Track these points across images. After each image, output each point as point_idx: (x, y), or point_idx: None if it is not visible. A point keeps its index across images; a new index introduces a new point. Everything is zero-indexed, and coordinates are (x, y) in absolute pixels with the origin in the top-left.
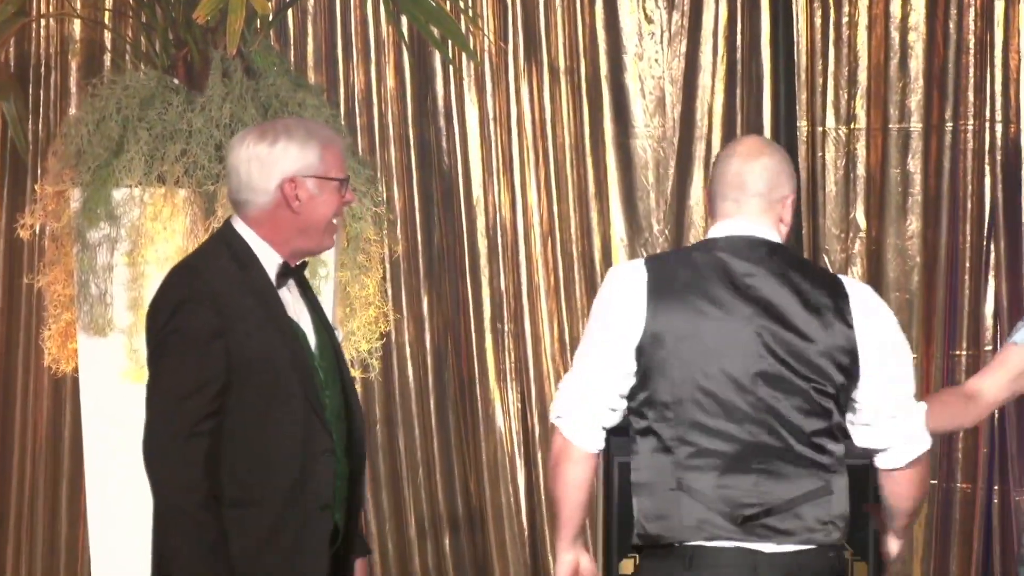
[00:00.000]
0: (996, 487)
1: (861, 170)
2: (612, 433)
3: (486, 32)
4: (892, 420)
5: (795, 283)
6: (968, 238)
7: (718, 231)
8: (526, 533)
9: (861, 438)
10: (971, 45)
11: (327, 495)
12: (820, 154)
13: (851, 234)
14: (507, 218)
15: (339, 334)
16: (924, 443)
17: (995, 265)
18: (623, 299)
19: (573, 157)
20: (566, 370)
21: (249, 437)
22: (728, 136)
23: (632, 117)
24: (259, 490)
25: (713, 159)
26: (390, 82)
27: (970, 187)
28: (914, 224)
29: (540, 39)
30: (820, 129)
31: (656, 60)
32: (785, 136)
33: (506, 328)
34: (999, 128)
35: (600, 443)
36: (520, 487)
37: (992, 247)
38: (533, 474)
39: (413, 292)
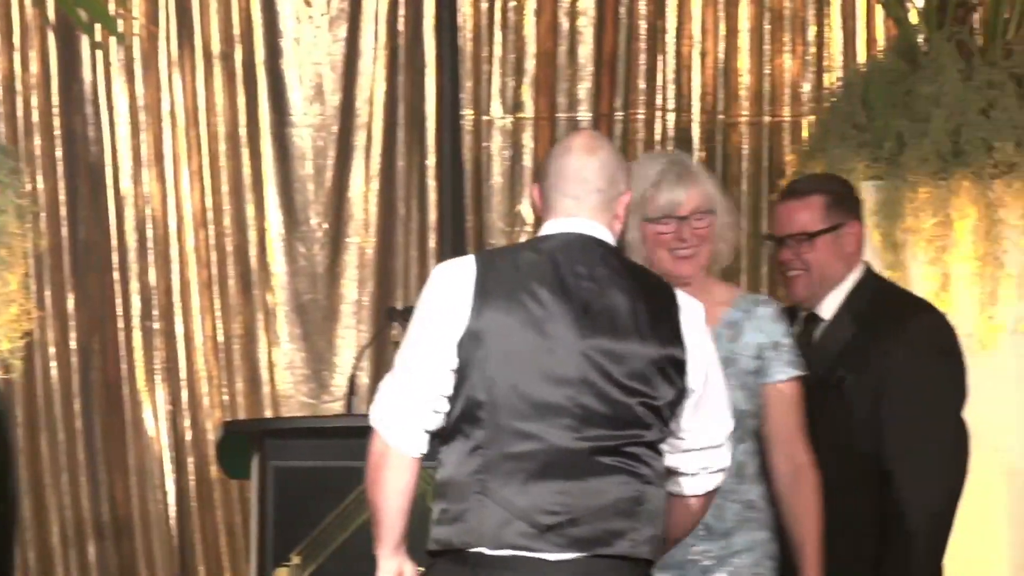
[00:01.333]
0: None
1: (528, 161)
2: (269, 436)
3: (136, 15)
4: (707, 447)
5: (627, 289)
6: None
7: (554, 228)
8: (175, 541)
9: (672, 459)
10: (642, 31)
11: None
12: (486, 144)
13: (517, 228)
14: (158, 211)
15: None
16: (724, 474)
17: None
18: (448, 295)
19: (228, 147)
20: (220, 370)
21: None
22: (390, 125)
23: (290, 105)
24: None
25: (374, 148)
26: (34, 68)
27: None
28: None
29: (194, 23)
30: (486, 118)
31: (315, 45)
32: (450, 125)
33: (156, 326)
34: (671, 117)
35: (423, 447)
36: (169, 493)
37: None
38: (183, 480)
39: (58, 289)
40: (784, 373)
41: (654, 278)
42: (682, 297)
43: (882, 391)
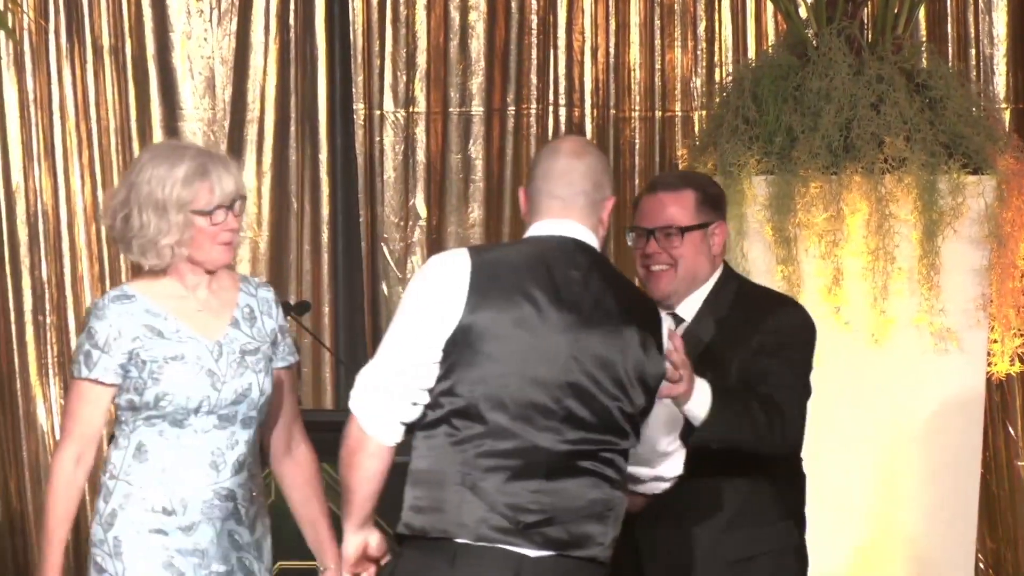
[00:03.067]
0: None
1: (421, 155)
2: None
3: (25, 9)
4: (664, 453)
5: (618, 298)
6: None
7: (544, 229)
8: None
9: (633, 461)
10: (534, 25)
11: None
12: (378, 139)
13: (411, 222)
14: (49, 204)
15: None
16: (672, 481)
17: None
18: (440, 289)
19: (118, 141)
20: None
21: None
22: (282, 119)
23: (180, 99)
24: None
25: (266, 143)
26: None
27: None
28: (476, 212)
29: (83, 17)
30: (378, 112)
31: (205, 39)
32: (342, 120)
33: (48, 320)
34: (563, 112)
35: (399, 436)
36: None
37: None
38: None
39: None
40: (289, 359)
41: (637, 289)
42: (659, 311)
43: (744, 374)
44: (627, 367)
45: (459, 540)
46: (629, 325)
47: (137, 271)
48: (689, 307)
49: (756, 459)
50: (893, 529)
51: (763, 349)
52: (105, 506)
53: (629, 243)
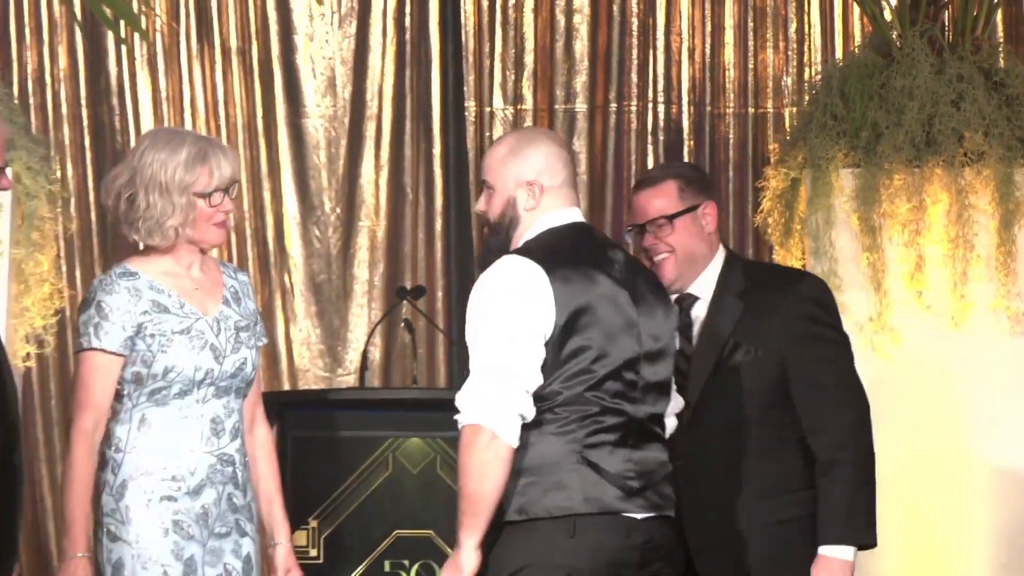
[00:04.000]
0: None
1: None
2: (287, 408)
3: (158, 12)
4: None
5: (644, 273)
6: None
7: (570, 217)
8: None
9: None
10: (635, 27)
11: None
12: (488, 134)
13: None
14: None
15: None
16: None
17: None
18: (527, 292)
19: (246, 137)
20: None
21: None
22: (398, 116)
23: (304, 97)
24: None
25: (384, 138)
26: (63, 62)
27: (634, 167)
28: (581, 204)
29: (212, 20)
30: (488, 110)
31: (327, 41)
32: (454, 117)
33: None
34: (661, 108)
35: (518, 436)
36: None
37: None
38: None
39: (87, 269)
40: (263, 339)
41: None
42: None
43: (784, 354)
44: (666, 338)
45: (578, 512)
46: (661, 297)
47: (128, 251)
48: (702, 286)
49: (800, 442)
50: (968, 498)
51: (804, 334)
52: (114, 478)
53: (628, 241)
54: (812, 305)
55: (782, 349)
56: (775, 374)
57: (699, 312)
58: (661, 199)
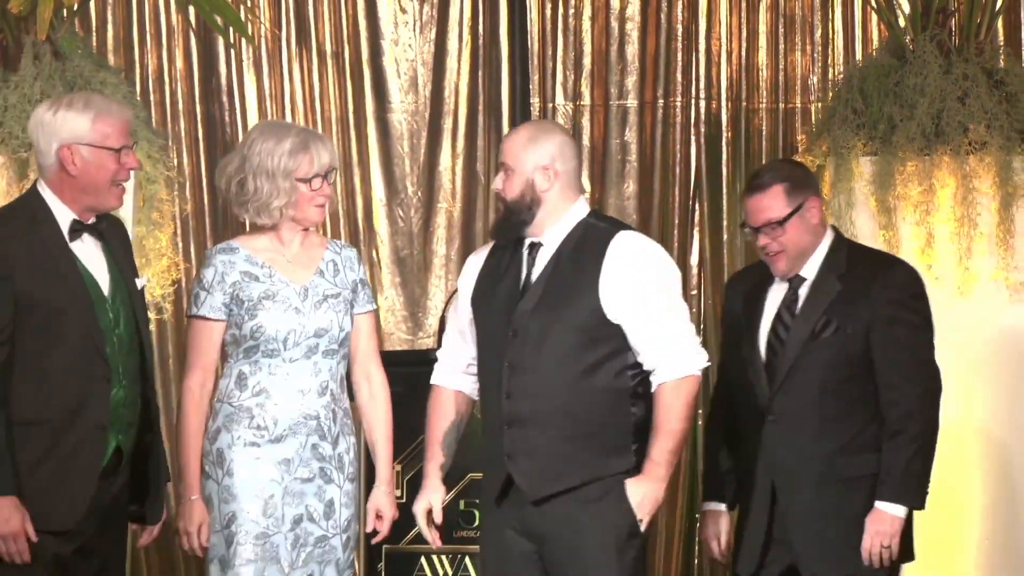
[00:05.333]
0: None
1: (586, 140)
2: None
3: (262, 20)
4: None
5: None
6: (677, 198)
7: (585, 205)
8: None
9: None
10: (679, 33)
11: (103, 417)
12: None
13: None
14: None
15: (142, 281)
16: None
17: (699, 222)
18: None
19: (338, 129)
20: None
21: (30, 365)
22: (472, 111)
23: (389, 95)
24: (40, 411)
25: (459, 131)
26: (179, 64)
27: (679, 155)
28: (631, 187)
29: (309, 26)
30: (551, 105)
31: (410, 45)
32: (521, 111)
33: None
34: (703, 104)
35: None
36: None
37: (696, 206)
38: None
39: (200, 245)
40: (368, 306)
41: None
42: None
43: (868, 333)
44: None
45: None
46: None
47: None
48: (809, 268)
49: (877, 410)
50: (973, 452)
51: (892, 317)
52: (212, 424)
53: (747, 237)
54: (898, 291)
55: (868, 328)
56: (859, 349)
57: (804, 291)
58: (770, 204)
